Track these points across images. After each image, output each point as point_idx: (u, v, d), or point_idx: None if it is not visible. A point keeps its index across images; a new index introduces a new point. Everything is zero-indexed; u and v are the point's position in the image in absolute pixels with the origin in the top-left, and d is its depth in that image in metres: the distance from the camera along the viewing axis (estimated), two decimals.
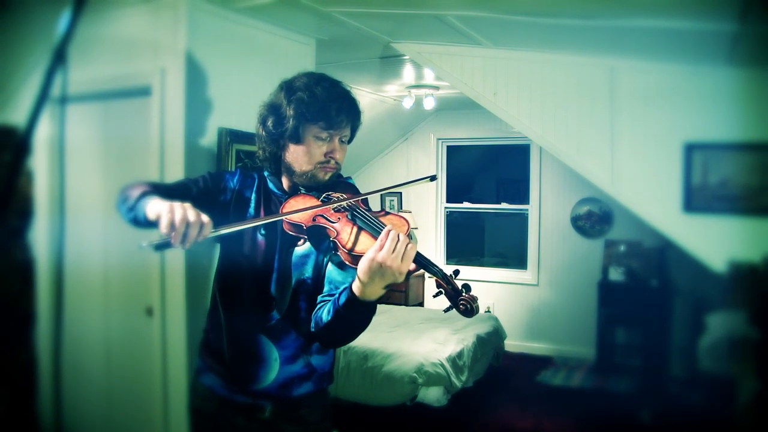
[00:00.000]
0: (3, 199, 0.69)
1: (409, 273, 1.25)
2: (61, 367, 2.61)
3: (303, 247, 1.47)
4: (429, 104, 4.86)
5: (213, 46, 2.64)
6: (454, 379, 3.78)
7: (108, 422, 2.82)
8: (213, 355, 1.57)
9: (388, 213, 1.39)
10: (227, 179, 1.55)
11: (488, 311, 5.76)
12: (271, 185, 1.54)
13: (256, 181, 1.56)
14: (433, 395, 3.66)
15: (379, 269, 1.20)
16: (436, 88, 4.79)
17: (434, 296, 1.29)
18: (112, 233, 2.78)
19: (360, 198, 1.41)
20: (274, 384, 1.49)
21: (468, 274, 6.03)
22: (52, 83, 0.72)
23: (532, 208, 5.82)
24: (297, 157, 1.45)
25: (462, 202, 6.47)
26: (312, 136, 1.43)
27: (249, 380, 1.50)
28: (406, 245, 1.21)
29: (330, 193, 1.45)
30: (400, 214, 1.39)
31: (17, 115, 2.42)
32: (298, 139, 1.43)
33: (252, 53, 2.86)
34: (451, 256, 6.50)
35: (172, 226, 1.16)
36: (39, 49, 2.53)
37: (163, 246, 1.17)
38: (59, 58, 0.73)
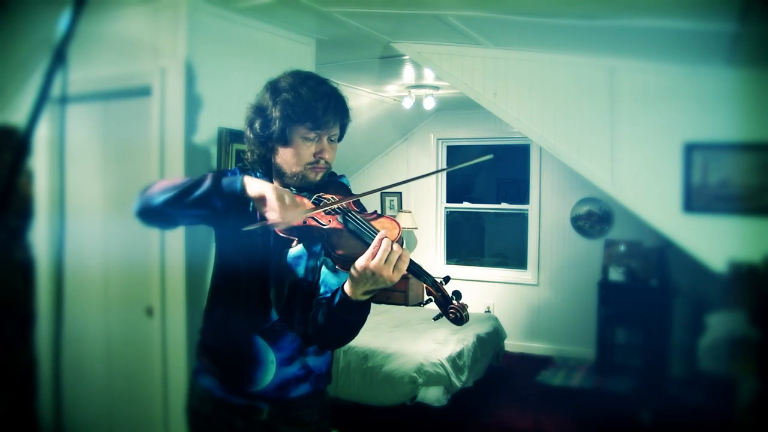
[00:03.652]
0: (3, 199, 0.69)
1: (403, 276, 1.24)
2: (61, 367, 2.61)
3: (296, 249, 1.47)
4: (429, 104, 4.86)
5: (213, 46, 2.64)
6: (454, 379, 3.78)
7: (108, 422, 2.82)
8: (209, 356, 1.57)
9: (380, 215, 1.36)
10: None
11: (488, 311, 5.76)
12: None
13: None
14: (433, 395, 3.66)
15: (371, 276, 1.20)
16: (436, 88, 4.79)
17: (423, 304, 1.28)
18: (112, 233, 2.78)
19: (352, 200, 1.39)
20: (270, 386, 1.49)
21: (468, 274, 6.04)
22: (52, 83, 0.72)
23: (532, 208, 5.82)
24: (286, 159, 1.43)
25: (462, 202, 6.47)
26: (300, 137, 1.41)
27: (245, 382, 1.49)
28: (398, 256, 1.20)
29: (321, 194, 1.43)
30: (393, 217, 1.37)
31: (17, 115, 2.42)
32: (285, 141, 1.41)
33: (252, 53, 2.86)
34: (451, 256, 6.50)
35: (280, 208, 1.23)
36: (39, 50, 2.53)
37: (264, 227, 1.26)
38: (59, 58, 0.73)
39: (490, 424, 4.00)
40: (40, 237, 2.67)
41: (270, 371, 1.48)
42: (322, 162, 1.43)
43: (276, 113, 1.40)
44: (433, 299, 1.25)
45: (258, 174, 1.54)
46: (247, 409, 1.52)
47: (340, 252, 1.28)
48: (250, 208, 1.50)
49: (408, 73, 4.36)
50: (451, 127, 6.18)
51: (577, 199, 5.56)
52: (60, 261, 2.68)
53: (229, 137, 2.66)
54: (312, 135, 1.41)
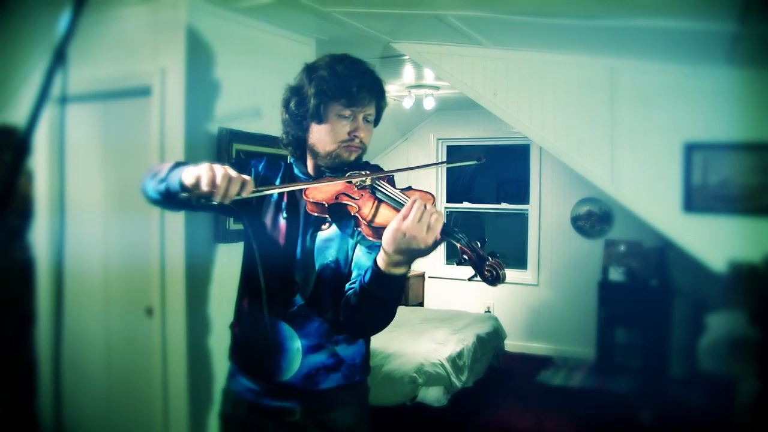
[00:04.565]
0: (3, 199, 0.69)
1: (435, 244, 1.20)
2: (61, 367, 2.61)
3: (327, 232, 1.44)
4: (429, 104, 4.86)
5: (213, 46, 2.64)
6: (454, 379, 3.78)
7: (108, 422, 2.82)
8: (239, 350, 1.54)
9: (410, 188, 1.35)
10: (252, 165, 1.52)
11: (488, 311, 5.76)
12: (296, 170, 1.52)
13: (282, 168, 1.53)
14: (433, 395, 3.66)
15: (403, 239, 1.16)
16: (436, 88, 4.79)
17: (458, 263, 1.23)
18: (112, 233, 2.78)
19: (384, 175, 1.38)
20: (297, 375, 1.44)
21: (468, 273, 6.02)
22: (52, 83, 0.72)
23: (532, 208, 5.82)
24: (321, 137, 1.42)
25: (462, 202, 6.47)
26: (335, 115, 1.40)
27: (272, 371, 1.45)
28: (432, 215, 1.17)
29: (354, 171, 1.42)
30: (424, 190, 1.36)
31: (17, 115, 2.42)
32: (320, 119, 1.41)
33: (252, 53, 2.86)
34: (451, 256, 6.50)
35: (213, 182, 1.18)
36: (39, 49, 2.53)
37: (202, 198, 1.21)
38: (59, 58, 0.73)
39: (490, 424, 4.00)
40: (40, 237, 2.67)
41: (296, 359, 1.44)
42: (356, 141, 1.42)
43: (311, 90, 1.40)
44: (467, 259, 1.21)
45: (292, 160, 1.53)
46: (279, 411, 1.47)
47: (370, 220, 1.26)
48: (275, 194, 1.47)
49: (408, 73, 4.36)
50: (451, 127, 6.18)
51: (577, 199, 5.56)
52: (60, 261, 2.68)
53: (229, 137, 2.66)
54: (347, 112, 1.40)
